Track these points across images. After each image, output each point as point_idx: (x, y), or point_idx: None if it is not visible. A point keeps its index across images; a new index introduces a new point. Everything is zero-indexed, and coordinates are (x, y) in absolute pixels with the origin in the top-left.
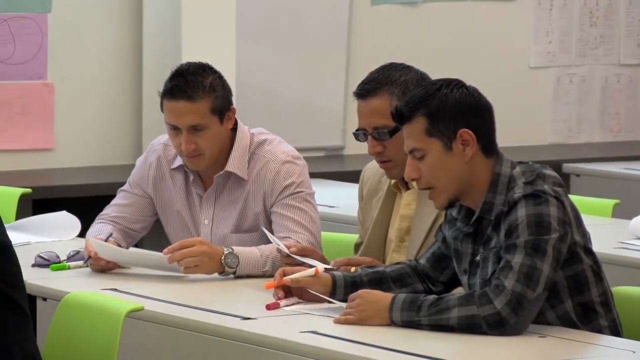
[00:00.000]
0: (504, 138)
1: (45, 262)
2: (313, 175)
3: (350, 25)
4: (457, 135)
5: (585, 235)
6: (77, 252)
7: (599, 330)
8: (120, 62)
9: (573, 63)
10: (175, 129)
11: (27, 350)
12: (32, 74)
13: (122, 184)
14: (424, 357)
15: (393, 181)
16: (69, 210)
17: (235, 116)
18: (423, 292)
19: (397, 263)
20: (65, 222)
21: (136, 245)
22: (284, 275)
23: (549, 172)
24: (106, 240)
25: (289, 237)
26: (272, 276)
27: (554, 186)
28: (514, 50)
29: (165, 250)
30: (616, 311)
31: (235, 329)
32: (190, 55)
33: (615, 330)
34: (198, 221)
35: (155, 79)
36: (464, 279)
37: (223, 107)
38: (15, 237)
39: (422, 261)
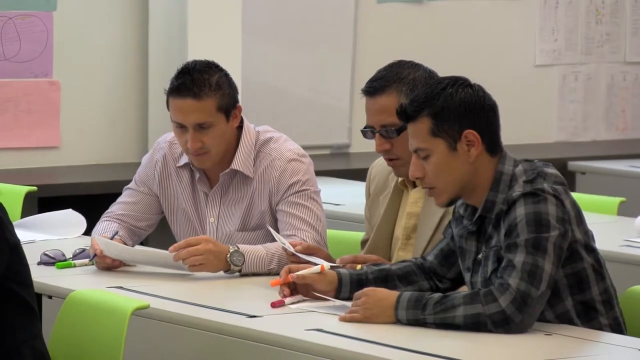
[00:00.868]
0: (509, 136)
1: (50, 260)
2: (319, 173)
3: (356, 23)
4: (462, 136)
5: (587, 233)
6: (83, 250)
7: (600, 328)
8: (126, 60)
9: (579, 61)
10: (181, 127)
11: (36, 348)
12: (38, 72)
13: (128, 182)
14: (430, 355)
15: (400, 179)
16: (74, 208)
17: (241, 114)
18: (429, 289)
19: (403, 261)
20: (70, 220)
21: (142, 243)
22: (290, 272)
23: (550, 170)
24: (112, 238)
25: (295, 235)
26: (277, 274)
27: (554, 184)
28: (519, 48)
29: (171, 248)
30: (620, 309)
31: (241, 327)
32: (196, 53)
33: (618, 329)
34: (204, 219)
35: (161, 77)
36: (467, 276)
37: (229, 105)
38: (20, 235)
39: (430, 257)
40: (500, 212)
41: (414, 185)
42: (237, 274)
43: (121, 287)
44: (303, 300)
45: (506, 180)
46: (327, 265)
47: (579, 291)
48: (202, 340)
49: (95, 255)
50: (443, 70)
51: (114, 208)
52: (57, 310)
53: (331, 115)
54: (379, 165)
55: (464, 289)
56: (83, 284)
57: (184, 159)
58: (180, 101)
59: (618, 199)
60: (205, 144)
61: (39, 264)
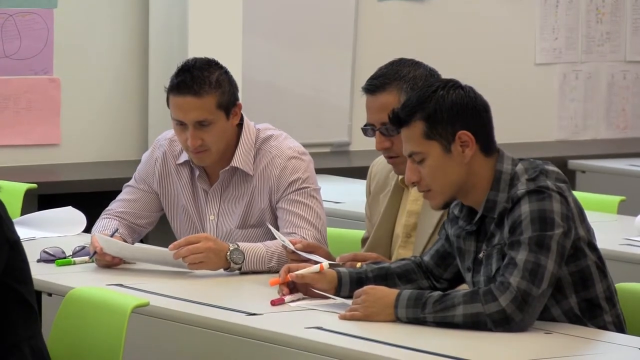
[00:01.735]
0: (509, 135)
1: (50, 258)
2: (319, 171)
3: (357, 21)
4: (456, 137)
5: (589, 230)
6: (83, 248)
7: (604, 325)
8: (126, 57)
9: (579, 60)
10: (181, 125)
11: (36, 346)
12: (38, 69)
13: (128, 179)
14: (429, 353)
15: (400, 177)
16: (74, 206)
17: (241, 112)
18: (428, 288)
19: (403, 259)
20: (70, 217)
21: (142, 241)
22: (289, 271)
23: (551, 168)
24: (112, 236)
25: (295, 233)
26: (277, 272)
27: (556, 182)
28: (520, 47)
29: (171, 246)
30: (620, 307)
31: (241, 325)
32: (197, 50)
33: (620, 326)
34: (204, 217)
35: (162, 75)
36: (468, 276)
37: (229, 102)
38: (20, 232)
39: (426, 258)
40: (504, 210)
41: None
42: (237, 271)
43: (121, 285)
44: (303, 298)
45: (506, 179)
46: (326, 264)
47: (583, 289)
48: (202, 338)
49: (95, 252)
50: (443, 68)
51: (114, 205)
52: (56, 307)
53: (331, 113)
54: (380, 164)
55: (464, 288)
56: (83, 281)
57: (184, 157)
58: (180, 99)
59: (618, 198)
60: (205, 141)
61: (38, 261)
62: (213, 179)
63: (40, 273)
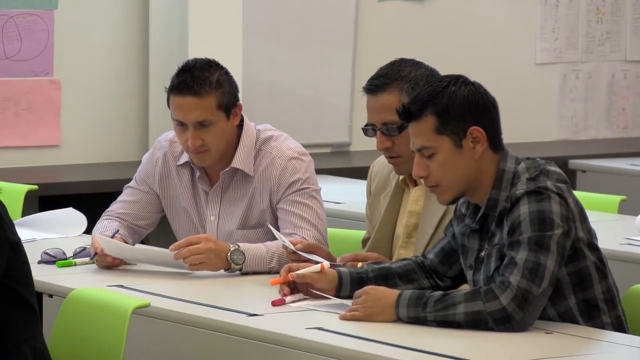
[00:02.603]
0: (510, 134)
1: (51, 259)
2: (319, 171)
3: (357, 21)
4: (467, 133)
5: (590, 231)
6: (84, 249)
7: (602, 327)
8: (126, 58)
9: (579, 59)
10: (181, 125)
11: (36, 347)
12: (39, 70)
13: (129, 180)
14: (430, 353)
15: (401, 177)
16: (75, 207)
17: (242, 112)
18: (429, 288)
19: (403, 259)
20: (71, 218)
21: (142, 242)
22: (290, 271)
23: (553, 168)
24: (112, 237)
25: (295, 233)
26: (278, 272)
27: (557, 182)
28: (520, 47)
29: (172, 247)
30: (622, 308)
31: (242, 326)
32: (197, 51)
33: (620, 327)
34: (204, 217)
35: (162, 75)
36: (469, 274)
37: (229, 103)
38: (21, 233)
39: (431, 256)
40: (504, 210)
41: (415, 184)
42: (238, 272)
43: (122, 286)
44: (304, 299)
45: (508, 178)
46: (326, 264)
47: (582, 289)
48: (203, 339)
49: (95, 253)
50: (444, 68)
51: (115, 207)
52: (57, 309)
53: (332, 113)
54: (380, 164)
55: (465, 287)
56: (84, 282)
57: (185, 158)
58: (180, 99)
59: (619, 197)
60: (206, 141)
61: (39, 262)
62: (213, 180)
63: (41, 274)
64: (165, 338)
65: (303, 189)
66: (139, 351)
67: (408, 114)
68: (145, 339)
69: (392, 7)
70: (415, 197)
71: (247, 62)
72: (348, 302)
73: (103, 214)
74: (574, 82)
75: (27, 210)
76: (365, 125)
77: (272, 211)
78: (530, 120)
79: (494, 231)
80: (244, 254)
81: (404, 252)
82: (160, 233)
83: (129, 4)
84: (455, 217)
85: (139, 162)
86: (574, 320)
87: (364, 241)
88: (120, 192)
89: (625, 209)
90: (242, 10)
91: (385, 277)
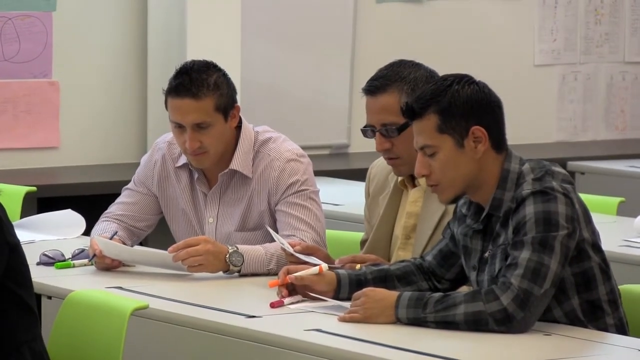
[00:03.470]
0: (509, 136)
1: (50, 261)
2: (318, 173)
3: (355, 23)
4: (469, 132)
5: (594, 232)
6: (82, 251)
7: (605, 328)
8: (125, 60)
9: (578, 61)
10: (179, 127)
11: (36, 349)
12: (37, 72)
13: (127, 182)
14: (430, 355)
15: (400, 178)
16: (73, 209)
17: (240, 114)
18: (428, 290)
19: (402, 261)
20: (70, 220)
21: (141, 244)
22: (289, 273)
23: (557, 169)
24: (111, 239)
25: (294, 235)
26: (277, 274)
27: (562, 183)
28: (518, 48)
29: (170, 248)
30: (623, 309)
31: (240, 327)
32: (195, 53)
33: (622, 329)
34: (203, 219)
35: (160, 77)
36: (473, 275)
37: (227, 105)
38: (20, 235)
39: (429, 258)
40: (509, 210)
41: (414, 185)
42: (236, 274)
43: (120, 288)
44: (302, 301)
45: (513, 178)
46: (325, 266)
47: (586, 290)
48: (201, 341)
49: (94, 255)
50: (442, 70)
51: (113, 208)
52: (56, 310)
53: (330, 115)
54: (379, 165)
55: (464, 289)
56: (82, 284)
57: (183, 160)
58: (178, 101)
59: (617, 199)
60: (204, 143)
61: (38, 264)
62: (212, 181)
63: (40, 276)
64: (163, 340)
65: (301, 190)
66: (137, 353)
67: (411, 112)
68: (144, 340)
69: (390, 9)
70: (413, 199)
71: (246, 63)
72: (346, 304)
73: (102, 216)
74: (573, 84)
75: (25, 212)
76: (365, 127)
77: (271, 213)
78: (528, 121)
79: (498, 231)
80: (242, 256)
81: (403, 254)
82: (158, 235)
83: (127, 5)
84: (456, 218)
85: (137, 164)
86: (578, 321)
87: (362, 242)
88: (118, 194)
89: (623, 210)
90: (241, 12)
91: (383, 279)
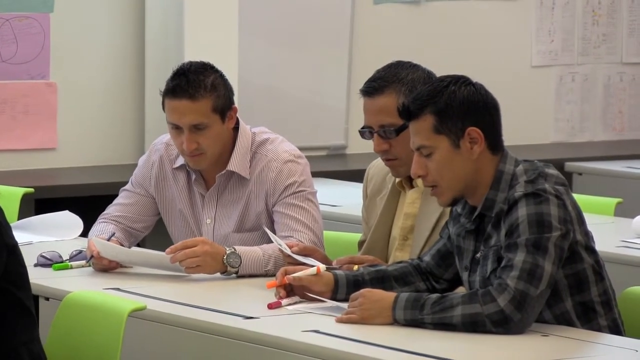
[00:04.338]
0: (506, 137)
1: (47, 262)
2: (315, 174)
3: (353, 24)
4: (465, 133)
5: (587, 234)
6: (80, 252)
7: (598, 329)
8: (122, 61)
9: (575, 62)
10: (177, 128)
11: (34, 351)
12: (35, 73)
13: (125, 183)
14: (427, 356)
15: (397, 179)
16: (71, 210)
17: (237, 115)
18: (426, 290)
19: (400, 262)
20: (67, 221)
21: (138, 245)
22: (286, 274)
23: (551, 171)
24: (109, 240)
25: (291, 236)
26: (274, 275)
27: (555, 185)
28: (516, 49)
29: (168, 250)
30: (618, 310)
31: (238, 328)
32: (193, 54)
33: (616, 330)
34: (200, 220)
35: (158, 79)
36: (465, 275)
37: (225, 106)
38: (17, 236)
39: (427, 258)
40: (501, 211)
41: (411, 186)
42: (234, 275)
43: (118, 289)
44: (300, 302)
45: (507, 179)
46: (323, 267)
47: (579, 292)
48: (199, 342)
49: (92, 256)
50: (440, 71)
51: (111, 210)
52: (54, 312)
53: (328, 116)
54: (376, 166)
55: (461, 290)
56: (80, 285)
57: (180, 161)
58: (175, 102)
59: (615, 200)
60: (201, 145)
61: (35, 265)
62: (209, 183)
63: (38, 277)
64: (161, 341)
65: (299, 191)
66: (135, 354)
67: (408, 113)
68: (142, 341)
69: (388, 10)
70: (411, 200)
71: (243, 64)
72: (344, 305)
73: (99, 217)
74: (570, 85)
75: (23, 213)
76: (362, 128)
77: (268, 214)
78: (526, 122)
79: (490, 232)
80: (240, 257)
81: (400, 254)
82: (156, 236)
83: (125, 6)
84: (451, 217)
85: (135, 165)
86: (570, 323)
87: (360, 243)
88: (116, 195)
89: (621, 211)
90: (239, 13)
91: (381, 280)
